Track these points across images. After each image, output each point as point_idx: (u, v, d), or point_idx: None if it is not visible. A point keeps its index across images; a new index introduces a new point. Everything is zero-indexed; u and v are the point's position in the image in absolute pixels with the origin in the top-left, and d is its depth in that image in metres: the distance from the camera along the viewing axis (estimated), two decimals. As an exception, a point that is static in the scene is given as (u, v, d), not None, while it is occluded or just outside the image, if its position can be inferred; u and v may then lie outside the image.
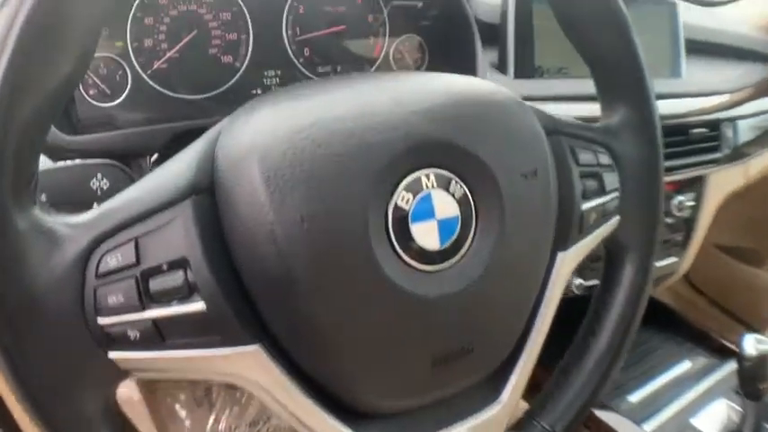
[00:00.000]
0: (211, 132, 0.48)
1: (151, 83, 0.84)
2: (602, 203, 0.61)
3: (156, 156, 0.80)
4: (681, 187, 1.28)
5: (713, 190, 1.33)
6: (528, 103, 0.56)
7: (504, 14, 1.06)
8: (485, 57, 0.99)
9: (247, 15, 0.88)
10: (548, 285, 0.58)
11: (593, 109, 1.05)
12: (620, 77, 0.64)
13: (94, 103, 0.82)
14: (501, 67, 1.07)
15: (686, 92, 1.25)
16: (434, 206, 0.46)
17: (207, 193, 0.45)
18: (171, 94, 0.85)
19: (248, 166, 0.43)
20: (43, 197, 0.62)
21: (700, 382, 1.33)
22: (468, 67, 0.96)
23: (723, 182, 1.35)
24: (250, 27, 0.88)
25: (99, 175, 0.65)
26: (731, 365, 1.38)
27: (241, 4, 0.88)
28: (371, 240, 0.44)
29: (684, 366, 1.39)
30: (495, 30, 1.08)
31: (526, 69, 1.07)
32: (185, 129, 0.80)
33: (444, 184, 0.47)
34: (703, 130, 1.25)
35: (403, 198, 0.45)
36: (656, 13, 1.23)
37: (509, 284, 0.52)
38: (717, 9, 1.61)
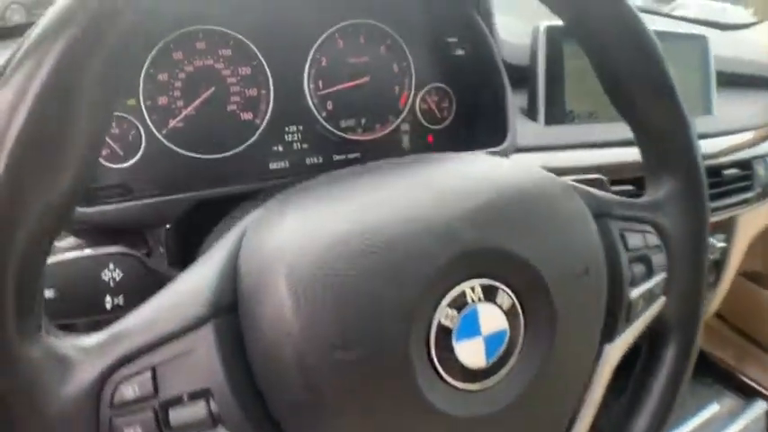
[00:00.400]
0: (232, 238, 0.43)
1: (166, 142, 0.80)
2: (649, 288, 0.57)
3: (170, 225, 0.76)
4: (712, 230, 1.23)
5: (744, 229, 1.29)
6: (573, 182, 0.52)
7: (533, 56, 1.01)
8: (513, 102, 0.95)
9: (267, 70, 0.83)
10: (593, 379, 0.54)
11: (626, 153, 1.02)
12: (668, 149, 0.59)
13: (107, 164, 0.77)
14: (530, 112, 1.03)
15: (717, 130, 1.20)
16: (480, 322, 0.42)
17: (229, 313, 0.40)
18: (188, 153, 0.81)
19: (274, 282, 0.38)
20: (51, 293, 0.57)
21: (728, 426, 1.29)
22: (498, 116, 0.91)
23: (754, 220, 1.31)
24: (270, 82, 0.84)
25: (111, 266, 0.60)
26: (759, 406, 1.34)
27: (261, 58, 0.83)
28: (412, 365, 0.39)
29: (713, 410, 1.35)
30: (522, 71, 1.04)
31: (557, 115, 1.02)
32: (202, 198, 0.75)
33: (491, 296, 0.42)
34: (735, 170, 1.20)
35: (447, 316, 0.41)
36: (688, 48, 1.18)
37: (556, 389, 0.48)
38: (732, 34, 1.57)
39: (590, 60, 0.59)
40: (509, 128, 0.90)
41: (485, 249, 0.42)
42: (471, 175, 0.48)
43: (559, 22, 1.01)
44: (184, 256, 0.76)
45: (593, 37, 0.57)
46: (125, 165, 0.78)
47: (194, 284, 0.41)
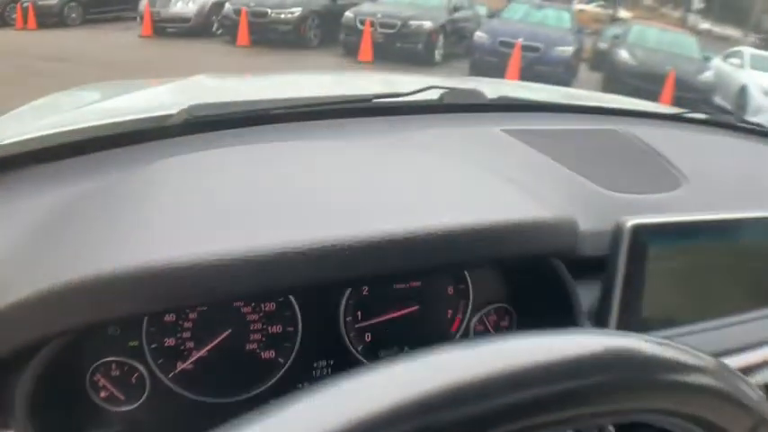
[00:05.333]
0: None
1: (174, 387, 0.67)
2: None
3: None
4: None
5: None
6: None
7: (612, 258, 0.85)
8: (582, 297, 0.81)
9: (296, 306, 0.70)
10: None
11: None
12: None
13: (105, 407, 0.66)
14: (599, 317, 0.87)
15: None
16: None
17: None
18: (199, 398, 0.69)
19: None
20: None
21: None
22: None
23: None
24: (299, 318, 0.70)
25: None
26: None
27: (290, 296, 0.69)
28: None
29: None
30: (596, 261, 0.88)
31: (630, 322, 0.87)
32: None
33: None
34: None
35: None
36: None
37: None
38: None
39: None
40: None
41: None
42: None
43: (646, 219, 0.86)
44: None
45: None
46: (126, 408, 0.66)
47: None
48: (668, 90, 8.32)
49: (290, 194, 0.67)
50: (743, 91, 9.18)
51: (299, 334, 0.71)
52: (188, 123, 0.85)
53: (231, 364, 0.69)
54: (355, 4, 10.40)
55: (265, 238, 0.57)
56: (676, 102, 8.05)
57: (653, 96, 7.92)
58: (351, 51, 9.61)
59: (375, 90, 1.05)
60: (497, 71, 8.49)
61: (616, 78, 9.21)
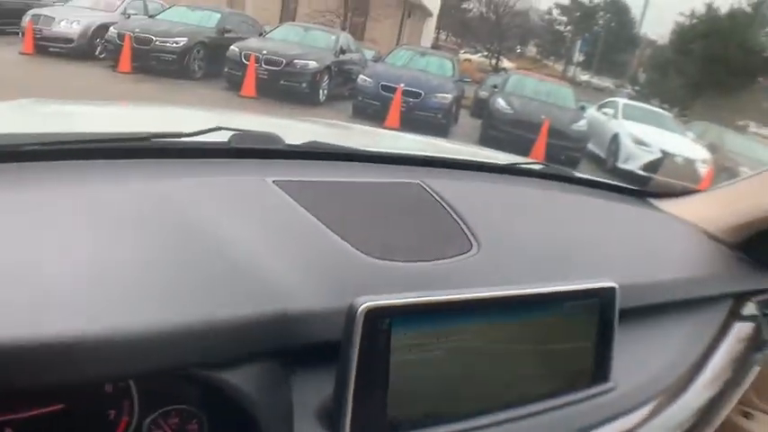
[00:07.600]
0: None
1: None
2: None
3: None
4: None
5: None
6: None
7: (345, 346, 0.70)
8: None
9: None
10: None
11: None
12: None
13: None
14: (333, 417, 0.72)
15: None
16: None
17: None
18: None
19: None
20: None
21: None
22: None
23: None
24: None
25: None
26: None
27: None
28: None
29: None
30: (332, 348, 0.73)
31: (370, 424, 0.71)
32: None
33: None
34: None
35: None
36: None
37: None
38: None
39: None
40: None
41: None
42: None
43: (385, 301, 0.71)
44: None
45: None
46: None
47: None
48: (542, 138, 8.60)
49: None
50: (615, 139, 9.71)
51: None
52: None
53: None
54: (244, 39, 10.29)
55: None
56: (549, 149, 8.37)
57: (528, 144, 8.18)
58: (234, 85, 9.43)
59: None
60: (379, 114, 8.61)
61: (493, 126, 9.46)
